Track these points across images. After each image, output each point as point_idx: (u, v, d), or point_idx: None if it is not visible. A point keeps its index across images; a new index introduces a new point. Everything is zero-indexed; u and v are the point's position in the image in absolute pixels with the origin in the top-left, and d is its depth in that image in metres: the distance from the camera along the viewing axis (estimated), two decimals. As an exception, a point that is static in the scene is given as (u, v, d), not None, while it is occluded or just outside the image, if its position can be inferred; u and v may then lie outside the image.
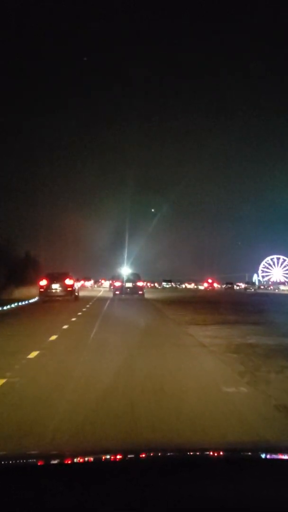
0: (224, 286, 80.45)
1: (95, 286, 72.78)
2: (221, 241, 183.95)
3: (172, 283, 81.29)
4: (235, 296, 42.94)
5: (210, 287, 76.81)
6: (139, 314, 16.89)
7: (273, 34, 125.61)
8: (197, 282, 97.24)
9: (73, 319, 14.15)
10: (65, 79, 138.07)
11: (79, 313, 16.40)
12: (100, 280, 78.20)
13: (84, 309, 18.46)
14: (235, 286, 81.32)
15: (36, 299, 26.50)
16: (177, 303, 24.88)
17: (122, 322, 13.53)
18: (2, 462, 1.74)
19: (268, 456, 1.88)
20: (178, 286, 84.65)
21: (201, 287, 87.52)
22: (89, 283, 68.76)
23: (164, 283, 78.59)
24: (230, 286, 79.07)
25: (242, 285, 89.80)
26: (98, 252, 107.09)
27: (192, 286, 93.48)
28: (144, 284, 38.00)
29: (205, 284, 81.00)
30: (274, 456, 1.88)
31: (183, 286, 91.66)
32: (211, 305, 23.48)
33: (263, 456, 1.89)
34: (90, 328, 11.54)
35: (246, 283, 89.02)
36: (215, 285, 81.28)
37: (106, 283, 67.44)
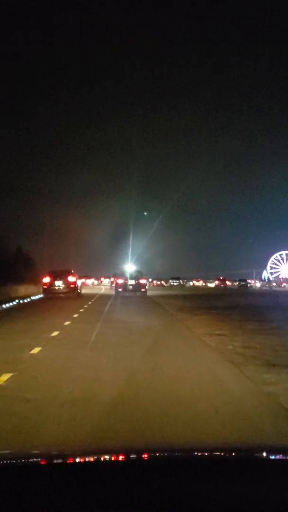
0: (237, 283, 73.56)
1: (95, 283, 70.67)
2: (224, 238, 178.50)
3: (180, 281, 74.46)
4: (261, 296, 36.25)
5: (222, 285, 69.92)
6: (152, 332, 10.45)
7: (276, 31, 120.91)
8: (205, 279, 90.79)
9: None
10: (66, 77, 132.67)
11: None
12: (100, 278, 75.27)
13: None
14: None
15: (14, 303, 20.87)
16: (198, 308, 18.34)
17: (128, 354, 7.10)
18: (5, 461, 1.73)
19: (269, 457, 1.85)
20: (185, 284, 77.93)
21: (210, 285, 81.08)
22: (89, 281, 67.17)
23: (171, 281, 71.82)
24: (243, 283, 72.35)
25: (251, 282, 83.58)
26: (99, 250, 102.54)
27: (200, 283, 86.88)
28: (147, 281, 37.48)
29: (216, 282, 74.04)
30: (276, 457, 1.85)
31: (191, 283, 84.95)
32: (249, 311, 16.97)
33: (264, 456, 1.86)
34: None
35: (261, 280, 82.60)
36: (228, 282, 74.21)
37: (105, 281, 65.93)
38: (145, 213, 76.27)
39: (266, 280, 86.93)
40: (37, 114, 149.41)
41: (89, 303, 21.20)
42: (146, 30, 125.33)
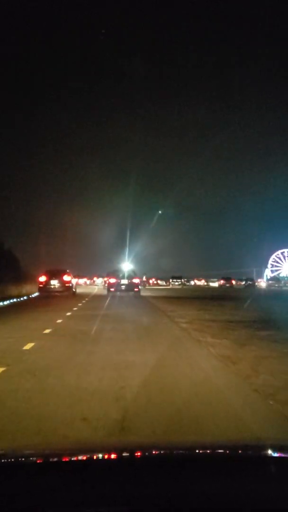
0: (243, 283, 66.85)
1: (88, 283, 67.94)
2: (223, 236, 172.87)
3: (182, 280, 67.72)
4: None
5: (227, 284, 63.30)
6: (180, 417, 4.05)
7: (276, 31, 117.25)
8: (206, 278, 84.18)
9: None
10: (65, 74, 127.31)
11: None
12: (93, 278, 71.58)
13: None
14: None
15: None
16: (230, 324, 11.85)
17: None
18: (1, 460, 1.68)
19: (267, 455, 1.80)
20: (185, 283, 71.21)
21: (213, 284, 74.63)
22: (82, 281, 64.40)
23: (172, 280, 64.91)
24: (250, 283, 65.90)
25: (258, 281, 77.29)
26: (94, 249, 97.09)
27: (202, 283, 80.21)
28: (140, 281, 37.07)
29: (221, 281, 67.29)
30: (274, 454, 1.79)
31: (192, 283, 78.28)
32: None
33: (261, 454, 1.80)
34: None
35: (271, 279, 76.11)
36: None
37: (98, 280, 63.34)
38: (160, 212, 71.04)
39: (272, 279, 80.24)
40: (37, 114, 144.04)
41: (74, 309, 14.87)
42: (146, 30, 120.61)
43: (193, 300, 24.79)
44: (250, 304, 21.16)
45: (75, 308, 16.97)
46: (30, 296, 28.47)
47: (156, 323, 12.28)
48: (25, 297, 27.02)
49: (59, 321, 12.31)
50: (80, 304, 19.42)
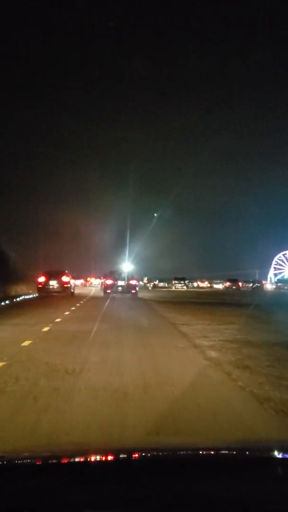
0: (251, 285, 62.76)
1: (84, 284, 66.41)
2: (224, 237, 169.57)
3: (186, 281, 63.61)
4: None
5: (234, 287, 59.39)
6: None
7: (277, 27, 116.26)
8: (209, 279, 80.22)
9: None
10: (65, 74, 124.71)
11: None
12: (88, 279, 69.28)
13: None
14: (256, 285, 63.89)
15: None
16: None
17: None
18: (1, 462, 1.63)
19: (269, 456, 1.73)
20: (188, 285, 67.23)
21: (216, 286, 70.78)
22: (78, 282, 62.24)
23: (175, 282, 60.71)
24: (258, 285, 62.01)
25: (264, 283, 73.53)
26: (95, 250, 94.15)
27: (205, 284, 76.21)
28: (137, 282, 35.10)
29: (227, 283, 63.28)
30: (276, 455, 1.74)
31: (195, 284, 74.30)
32: None
33: (263, 455, 1.75)
34: None
35: (279, 281, 72.27)
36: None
37: (95, 282, 61.78)
38: (155, 214, 68.46)
39: (280, 281, 76.35)
40: (37, 114, 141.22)
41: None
42: (146, 30, 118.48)
43: (205, 307, 20.80)
44: (277, 313, 17.25)
45: (58, 320, 13.04)
46: (15, 300, 24.75)
47: (168, 347, 8.33)
48: (7, 301, 23.14)
49: (25, 343, 8.40)
50: (67, 313, 15.51)
